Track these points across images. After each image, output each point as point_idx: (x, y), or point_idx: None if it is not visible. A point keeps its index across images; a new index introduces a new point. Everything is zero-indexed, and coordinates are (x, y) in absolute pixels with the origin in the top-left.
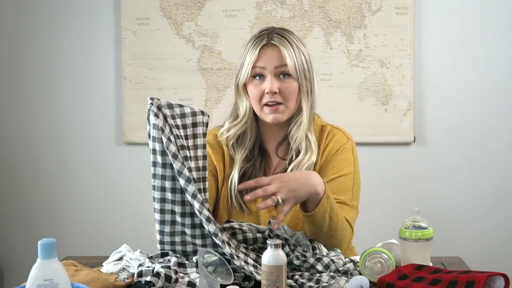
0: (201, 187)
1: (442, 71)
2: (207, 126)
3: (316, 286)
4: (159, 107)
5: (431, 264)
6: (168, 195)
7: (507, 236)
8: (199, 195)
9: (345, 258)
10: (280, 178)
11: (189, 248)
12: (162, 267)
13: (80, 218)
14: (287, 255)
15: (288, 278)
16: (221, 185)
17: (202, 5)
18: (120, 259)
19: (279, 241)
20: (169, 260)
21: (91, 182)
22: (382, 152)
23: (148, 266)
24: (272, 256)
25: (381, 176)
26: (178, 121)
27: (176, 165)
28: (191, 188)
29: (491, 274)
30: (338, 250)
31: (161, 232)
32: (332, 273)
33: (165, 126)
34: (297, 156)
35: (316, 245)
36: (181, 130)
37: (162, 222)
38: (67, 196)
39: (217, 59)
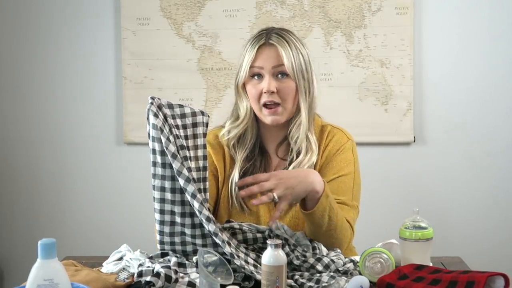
0: (202, 187)
1: (442, 71)
2: (207, 126)
3: (316, 286)
4: (159, 107)
5: (431, 264)
6: (168, 195)
7: (507, 236)
8: (198, 195)
9: (345, 258)
10: (279, 175)
11: (189, 248)
12: (162, 267)
13: (80, 218)
14: (287, 255)
15: (288, 278)
16: (221, 185)
17: (202, 5)
18: (120, 259)
19: (279, 241)
20: (169, 260)
21: (91, 182)
22: (382, 152)
23: (148, 266)
24: (272, 256)
25: (381, 176)
26: (178, 121)
27: (176, 165)
28: (190, 188)
29: (491, 274)
30: (338, 250)
31: (161, 232)
32: (332, 273)
33: (164, 126)
34: (297, 156)
35: (316, 245)
36: (181, 130)
37: (161, 223)
38: (67, 196)
39: (217, 59)
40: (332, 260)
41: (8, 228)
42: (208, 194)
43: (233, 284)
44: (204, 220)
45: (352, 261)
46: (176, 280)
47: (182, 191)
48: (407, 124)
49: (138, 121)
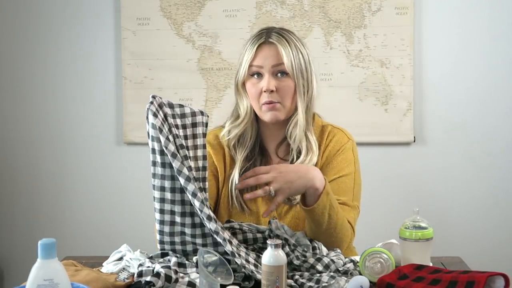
0: (201, 187)
1: (442, 71)
2: (206, 126)
3: (316, 286)
4: (160, 106)
5: (431, 264)
6: (168, 195)
7: (507, 236)
8: (199, 194)
9: (345, 258)
10: (279, 168)
11: (189, 247)
12: (162, 267)
13: (80, 218)
14: (287, 255)
15: (288, 278)
16: (221, 185)
17: (202, 5)
18: (120, 259)
19: (279, 241)
20: (169, 260)
21: (91, 182)
22: (382, 152)
23: (148, 266)
24: (272, 256)
25: (381, 176)
26: (178, 121)
27: (176, 164)
28: (191, 187)
29: (491, 274)
30: (338, 250)
31: (161, 232)
32: (332, 273)
33: (163, 126)
34: (298, 157)
35: (316, 245)
36: (181, 130)
37: (161, 222)
38: (67, 196)
39: (217, 59)
40: (332, 260)
41: (8, 228)
42: (207, 194)
43: (233, 284)
44: (205, 219)
45: (352, 261)
46: (176, 280)
47: (182, 190)
48: (407, 124)
49: (138, 121)
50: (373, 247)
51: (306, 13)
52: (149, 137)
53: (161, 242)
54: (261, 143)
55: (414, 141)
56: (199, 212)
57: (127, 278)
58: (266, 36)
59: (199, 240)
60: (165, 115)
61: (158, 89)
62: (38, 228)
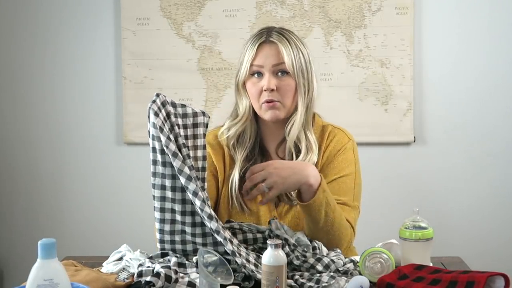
0: (202, 186)
1: (442, 71)
2: (207, 126)
3: (316, 286)
4: (163, 104)
5: (431, 264)
6: (168, 194)
7: (507, 236)
8: (200, 193)
9: (345, 258)
10: (274, 164)
11: (189, 247)
12: (162, 267)
13: (80, 218)
14: (287, 255)
15: (288, 278)
16: (221, 185)
17: (202, 5)
18: (120, 259)
19: (279, 241)
20: (169, 260)
21: (91, 182)
22: (382, 152)
23: (148, 266)
24: (272, 256)
25: (381, 176)
26: (180, 121)
27: (176, 163)
28: (192, 186)
29: (491, 274)
30: (338, 250)
31: (161, 231)
32: (332, 273)
33: (164, 125)
34: (297, 156)
35: (316, 245)
36: (182, 130)
37: (162, 221)
38: (67, 196)
39: (217, 59)
40: (332, 260)
41: (8, 228)
42: (207, 194)
43: (233, 284)
44: (206, 218)
45: (352, 261)
46: (176, 280)
47: (182, 189)
48: (407, 124)
49: (138, 121)
50: (373, 247)
51: (306, 13)
52: (149, 136)
53: (161, 241)
54: (261, 143)
55: (414, 141)
56: (199, 211)
57: (127, 278)
58: (267, 36)
59: (199, 240)
60: (168, 114)
61: (158, 89)
62: (38, 228)
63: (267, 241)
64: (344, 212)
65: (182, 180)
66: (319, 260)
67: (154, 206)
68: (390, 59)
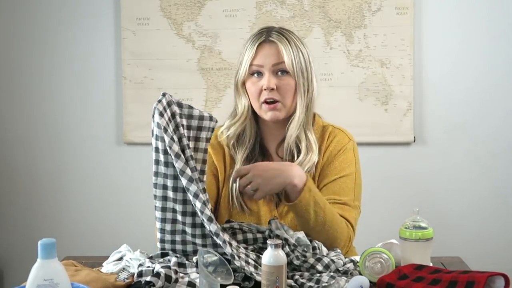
0: (204, 188)
1: (442, 71)
2: (212, 131)
3: (316, 286)
4: (169, 103)
5: (431, 264)
6: (170, 194)
7: (507, 236)
8: (201, 195)
9: (345, 258)
10: (258, 166)
11: (189, 247)
12: (162, 267)
13: (80, 218)
14: (287, 255)
15: (288, 278)
16: (221, 185)
17: (202, 5)
18: (120, 259)
19: (279, 241)
20: (169, 260)
21: (91, 182)
22: (382, 152)
23: (148, 266)
24: (272, 256)
25: (381, 176)
26: (184, 121)
27: (179, 164)
28: (193, 187)
29: (491, 274)
30: (338, 250)
31: (162, 230)
32: (332, 273)
33: (168, 126)
34: (298, 156)
35: (316, 245)
36: (185, 131)
37: (163, 220)
38: (67, 196)
39: (217, 59)
40: (332, 260)
41: (8, 229)
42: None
43: (233, 284)
44: (205, 220)
45: (352, 261)
46: (176, 280)
47: (184, 190)
48: (407, 124)
49: (138, 121)
50: (373, 247)
51: (306, 13)
52: (153, 136)
53: (162, 240)
54: (262, 143)
55: (414, 141)
56: (200, 213)
57: (127, 278)
58: (267, 35)
59: (199, 241)
60: (173, 114)
61: (158, 89)
62: (38, 228)
63: (267, 241)
64: (344, 212)
65: (184, 181)
66: (319, 260)
67: (156, 206)
68: (390, 59)
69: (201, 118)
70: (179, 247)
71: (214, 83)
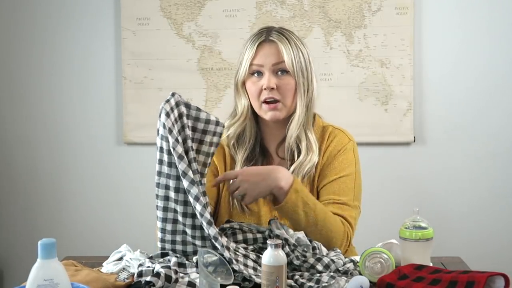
0: (204, 191)
1: (442, 71)
2: (220, 136)
3: (316, 286)
4: (177, 104)
5: (431, 264)
6: (171, 194)
7: (507, 236)
8: (202, 198)
9: (345, 258)
10: (246, 171)
11: (190, 248)
12: (162, 267)
13: (80, 218)
14: (287, 255)
15: (288, 278)
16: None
17: (202, 5)
18: (120, 259)
19: (279, 241)
20: (169, 260)
21: (91, 182)
22: (382, 152)
23: (148, 266)
24: (272, 256)
25: (381, 176)
26: (189, 122)
27: (182, 166)
28: (194, 190)
29: (491, 274)
30: (338, 250)
31: (163, 230)
32: (332, 273)
33: (174, 126)
34: (298, 156)
35: (316, 245)
36: (190, 133)
37: (164, 220)
38: (67, 196)
39: (217, 59)
40: (332, 260)
41: (8, 229)
42: (207, 199)
43: (233, 284)
44: (205, 224)
45: (352, 261)
46: (176, 280)
47: (185, 191)
48: (407, 124)
49: (138, 121)
50: (373, 247)
51: (306, 13)
52: (158, 135)
53: (162, 240)
54: (262, 143)
55: (414, 141)
56: (199, 216)
57: (127, 278)
58: (267, 35)
59: (198, 242)
60: (180, 114)
61: (158, 89)
62: (38, 228)
63: (267, 241)
64: (343, 212)
65: (185, 183)
66: (319, 260)
67: (157, 205)
68: (390, 59)
69: (208, 121)
70: (179, 247)
71: (214, 83)
